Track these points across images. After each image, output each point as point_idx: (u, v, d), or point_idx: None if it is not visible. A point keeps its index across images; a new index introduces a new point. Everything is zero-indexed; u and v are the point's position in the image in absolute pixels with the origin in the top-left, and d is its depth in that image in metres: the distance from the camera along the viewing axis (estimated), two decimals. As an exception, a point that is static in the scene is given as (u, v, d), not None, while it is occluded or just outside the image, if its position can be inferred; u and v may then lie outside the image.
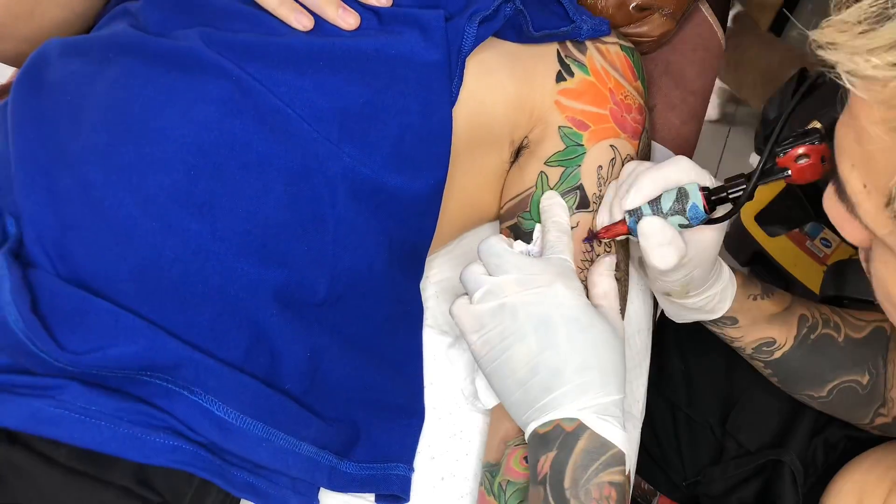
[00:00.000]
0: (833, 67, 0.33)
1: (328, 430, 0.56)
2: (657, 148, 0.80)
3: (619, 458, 0.49)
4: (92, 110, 0.54)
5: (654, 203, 0.55)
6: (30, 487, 0.48)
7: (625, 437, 0.50)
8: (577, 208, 0.60)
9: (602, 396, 0.50)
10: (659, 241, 0.54)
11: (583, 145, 0.61)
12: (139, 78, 0.54)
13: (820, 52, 0.33)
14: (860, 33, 0.32)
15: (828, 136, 0.51)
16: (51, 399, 0.48)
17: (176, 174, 0.52)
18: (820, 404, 0.70)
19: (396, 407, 0.62)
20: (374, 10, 0.59)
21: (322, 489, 0.58)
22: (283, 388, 0.55)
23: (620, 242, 0.62)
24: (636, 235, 0.55)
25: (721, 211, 0.55)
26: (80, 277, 0.51)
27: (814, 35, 0.34)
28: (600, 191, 0.61)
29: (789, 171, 0.51)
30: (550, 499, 0.49)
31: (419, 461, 0.62)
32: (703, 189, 0.54)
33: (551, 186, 0.61)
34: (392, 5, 0.59)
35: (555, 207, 0.59)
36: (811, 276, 1.29)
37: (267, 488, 0.53)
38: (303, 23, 0.57)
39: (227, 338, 0.52)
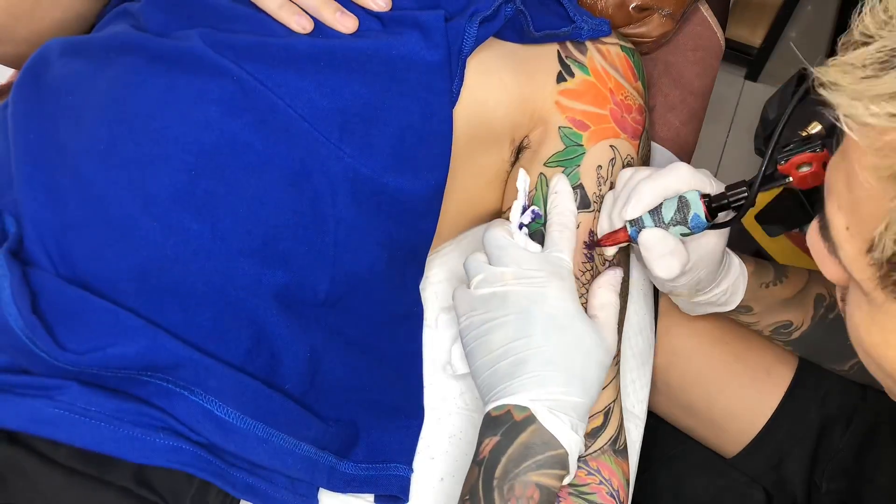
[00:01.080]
0: (831, 107, 0.33)
1: (328, 430, 0.56)
2: (657, 148, 0.80)
3: (559, 461, 0.49)
4: (92, 109, 0.54)
5: (655, 212, 0.54)
6: (30, 488, 0.48)
7: (575, 441, 0.50)
8: (577, 208, 0.60)
9: (561, 394, 0.50)
10: (661, 252, 0.54)
11: (582, 145, 0.61)
12: (140, 77, 0.54)
13: (821, 91, 0.33)
14: (863, 78, 0.32)
15: (828, 137, 0.50)
16: (50, 399, 0.48)
17: (177, 174, 0.52)
18: (844, 374, 0.70)
19: (396, 407, 0.62)
20: (376, 15, 0.59)
21: (322, 489, 0.58)
22: (283, 389, 0.55)
23: (622, 255, 0.62)
24: (637, 244, 0.56)
25: (722, 217, 0.55)
26: (80, 277, 0.51)
27: (817, 72, 0.34)
28: (601, 190, 0.61)
29: (791, 178, 0.50)
30: (480, 483, 0.49)
31: (418, 462, 0.62)
32: (704, 196, 0.54)
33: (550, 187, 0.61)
34: (392, 9, 0.59)
35: (561, 198, 0.59)
36: (811, 275, 1.30)
37: (266, 489, 0.53)
38: (303, 25, 0.57)
39: (227, 338, 0.52)
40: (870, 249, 0.34)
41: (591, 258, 0.60)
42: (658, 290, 0.75)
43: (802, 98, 0.50)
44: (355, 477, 0.58)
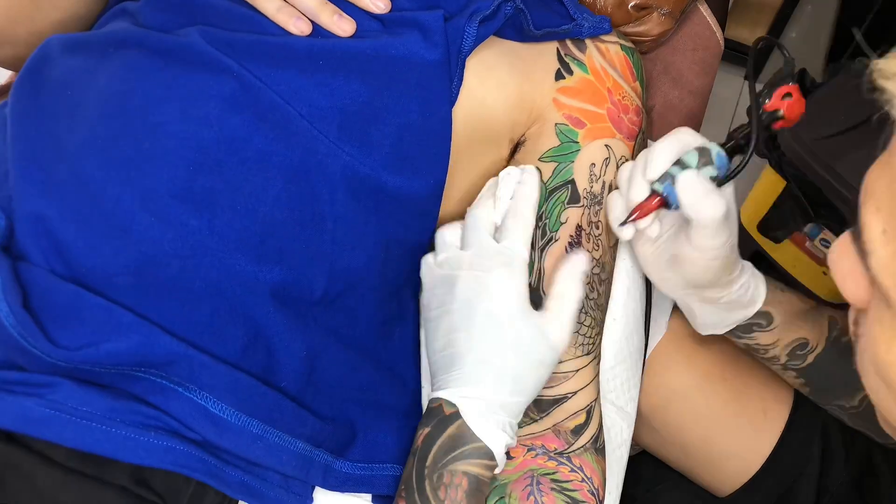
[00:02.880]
0: (892, 98, 0.32)
1: (324, 428, 0.56)
2: (656, 148, 0.80)
3: (486, 453, 0.51)
4: (91, 105, 0.54)
5: (679, 165, 0.54)
6: (28, 487, 0.48)
7: (500, 440, 0.51)
8: (567, 203, 0.60)
9: (490, 393, 0.51)
10: (704, 191, 0.52)
11: (578, 142, 0.61)
12: (139, 72, 0.54)
13: (882, 82, 0.32)
14: None
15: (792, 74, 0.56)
16: (41, 398, 0.47)
17: (175, 169, 0.52)
18: (850, 416, 0.68)
19: (392, 407, 0.62)
20: (377, 16, 0.59)
21: (321, 488, 0.58)
22: (279, 387, 0.55)
23: (608, 246, 0.62)
24: (672, 203, 0.54)
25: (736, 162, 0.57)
26: (74, 272, 0.51)
27: (879, 63, 0.32)
28: (591, 187, 0.61)
29: (781, 111, 0.55)
30: (414, 472, 0.51)
31: (416, 461, 0.62)
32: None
33: (544, 182, 0.61)
34: (392, 10, 0.59)
35: (522, 187, 0.58)
36: (811, 277, 1.29)
37: (261, 487, 0.53)
38: (300, 28, 0.57)
39: (223, 334, 0.52)
40: None
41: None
42: (651, 289, 0.74)
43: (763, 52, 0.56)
44: (351, 476, 0.58)
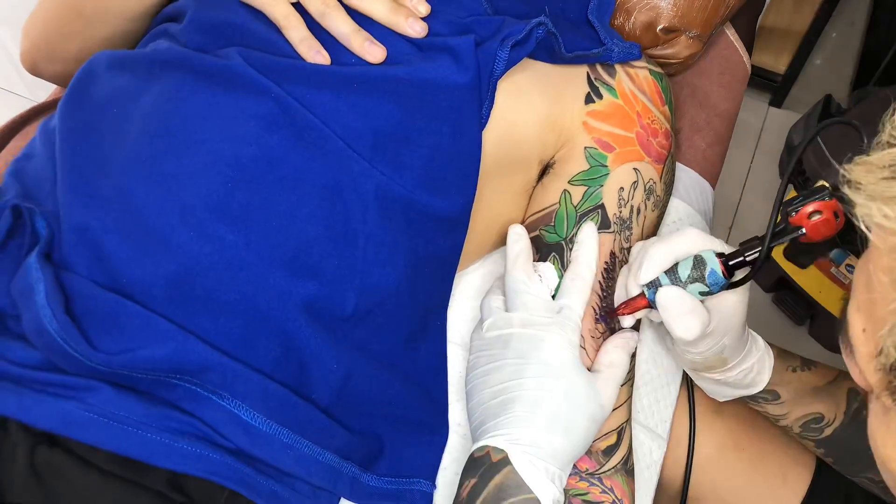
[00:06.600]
0: (852, 206, 0.33)
1: (352, 441, 0.57)
2: (684, 170, 0.80)
3: None
4: (136, 122, 0.56)
5: (672, 273, 0.54)
6: (68, 489, 0.49)
7: (549, 491, 0.49)
8: (598, 229, 0.61)
9: (542, 438, 0.50)
10: (679, 311, 0.53)
11: (607, 166, 0.62)
12: (183, 92, 0.56)
13: (845, 189, 0.33)
14: (882, 178, 0.32)
15: (837, 191, 0.50)
16: (80, 402, 0.49)
17: (214, 185, 0.53)
18: (882, 490, 0.66)
19: (421, 423, 0.62)
20: (412, 41, 0.60)
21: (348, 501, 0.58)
22: (310, 399, 0.55)
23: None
24: (656, 308, 0.54)
25: (740, 275, 0.54)
26: (114, 282, 0.53)
27: (843, 169, 0.33)
28: (620, 212, 0.62)
29: (803, 229, 0.50)
30: None
31: (444, 477, 0.62)
32: (719, 255, 0.53)
33: (574, 205, 0.62)
34: (426, 35, 0.60)
35: (583, 250, 0.59)
36: (836, 302, 1.28)
37: (291, 497, 0.54)
38: (318, 61, 0.58)
39: (256, 346, 0.53)
40: (878, 354, 0.33)
41: (607, 291, 0.60)
42: None
43: (807, 146, 0.50)
44: (378, 489, 0.58)
